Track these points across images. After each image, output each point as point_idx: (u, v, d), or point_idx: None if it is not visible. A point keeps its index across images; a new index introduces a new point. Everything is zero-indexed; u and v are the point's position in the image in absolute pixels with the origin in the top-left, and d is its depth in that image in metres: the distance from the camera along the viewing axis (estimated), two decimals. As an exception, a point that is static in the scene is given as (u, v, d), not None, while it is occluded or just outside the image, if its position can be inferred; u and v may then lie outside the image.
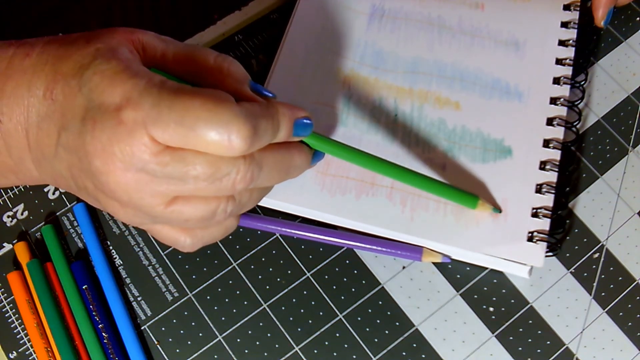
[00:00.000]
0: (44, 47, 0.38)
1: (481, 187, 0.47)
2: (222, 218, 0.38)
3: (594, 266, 0.47)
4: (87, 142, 0.35)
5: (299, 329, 0.45)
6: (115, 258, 0.47)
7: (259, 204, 0.48)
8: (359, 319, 0.45)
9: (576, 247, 0.47)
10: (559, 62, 0.51)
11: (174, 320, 0.46)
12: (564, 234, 0.47)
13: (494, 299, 0.46)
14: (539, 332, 0.45)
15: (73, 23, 0.56)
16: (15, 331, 0.45)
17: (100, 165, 0.35)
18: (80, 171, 0.37)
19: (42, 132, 0.37)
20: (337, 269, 0.47)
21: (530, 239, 0.45)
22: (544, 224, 0.45)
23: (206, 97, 0.34)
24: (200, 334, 0.45)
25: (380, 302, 0.46)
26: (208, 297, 0.46)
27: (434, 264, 0.47)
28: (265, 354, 0.45)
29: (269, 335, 0.45)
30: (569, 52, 0.51)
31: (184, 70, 0.38)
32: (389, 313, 0.46)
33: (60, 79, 0.36)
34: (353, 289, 0.46)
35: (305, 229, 0.47)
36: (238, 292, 0.46)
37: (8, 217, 0.49)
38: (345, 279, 0.47)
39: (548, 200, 0.46)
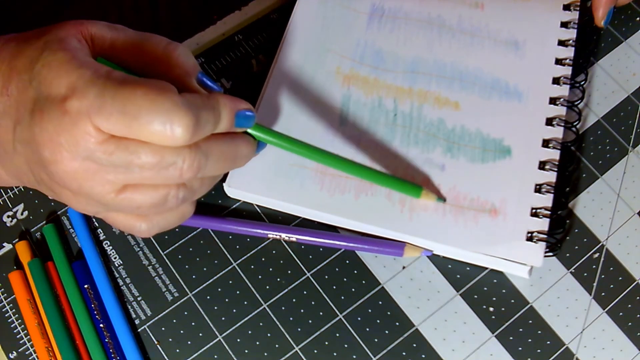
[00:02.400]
0: (1, 46, 0.38)
1: (480, 187, 0.47)
2: (175, 204, 0.38)
3: (594, 266, 0.47)
4: (36, 133, 0.35)
5: (299, 329, 0.45)
6: (115, 258, 0.48)
7: (258, 203, 0.48)
8: (359, 319, 0.46)
9: (576, 247, 0.47)
10: (558, 62, 0.51)
11: (174, 320, 0.46)
12: (564, 234, 0.47)
13: (494, 299, 0.46)
14: (539, 332, 0.45)
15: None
16: (15, 331, 0.45)
17: (49, 155, 0.35)
18: (35, 164, 0.37)
19: (1, 129, 0.38)
20: (337, 269, 0.47)
21: (529, 239, 0.45)
22: (543, 223, 0.45)
23: (148, 87, 0.35)
24: (200, 334, 0.45)
25: (380, 302, 0.46)
26: (208, 297, 0.46)
27: (434, 264, 0.47)
28: (265, 354, 0.45)
29: (269, 335, 0.45)
30: (569, 52, 0.51)
31: (133, 59, 0.39)
32: (389, 313, 0.46)
33: (15, 75, 0.37)
34: (353, 289, 0.46)
35: (286, 229, 0.47)
36: (238, 292, 0.46)
37: (8, 217, 0.49)
38: (345, 279, 0.47)
39: (547, 200, 0.46)
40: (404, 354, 0.45)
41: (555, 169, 0.47)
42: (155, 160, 0.35)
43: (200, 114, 0.35)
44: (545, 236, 0.45)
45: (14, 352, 0.45)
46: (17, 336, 0.45)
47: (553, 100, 0.50)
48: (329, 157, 0.45)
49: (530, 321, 0.45)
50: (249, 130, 0.41)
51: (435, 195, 0.46)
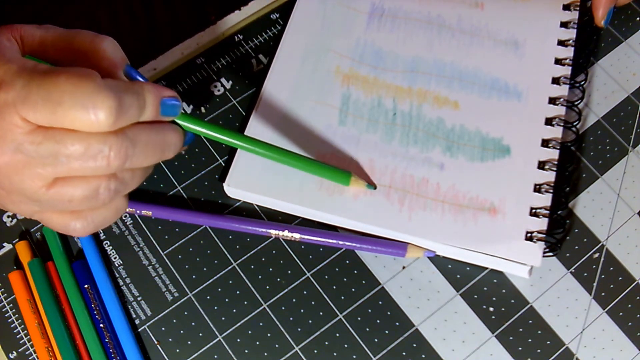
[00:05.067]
0: None
1: (479, 186, 0.47)
2: (107, 197, 0.38)
3: (594, 266, 0.47)
4: None
5: (299, 329, 0.45)
6: (115, 258, 0.48)
7: (258, 203, 0.48)
8: (359, 319, 0.46)
9: (576, 247, 0.47)
10: (558, 62, 0.51)
11: (174, 320, 0.46)
12: (563, 234, 0.47)
13: (494, 299, 0.46)
14: (539, 332, 0.45)
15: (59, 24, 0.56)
16: (15, 331, 0.45)
17: None
18: None
19: None
20: (337, 269, 0.47)
21: (528, 239, 0.45)
22: (542, 223, 0.45)
23: (71, 73, 0.35)
24: (200, 334, 0.45)
25: (380, 302, 0.46)
26: (208, 297, 0.46)
27: (434, 264, 0.47)
28: (265, 354, 0.45)
29: (269, 335, 0.45)
30: (568, 52, 0.51)
31: (63, 55, 0.39)
32: (389, 313, 0.46)
33: None
34: (353, 289, 0.46)
35: (286, 228, 0.47)
36: (238, 292, 0.46)
37: (8, 217, 0.49)
38: (345, 279, 0.47)
39: (546, 200, 0.46)
40: (404, 354, 0.45)
41: (555, 169, 0.47)
42: (81, 148, 0.35)
43: (123, 97, 0.35)
44: (544, 236, 0.45)
45: (14, 352, 0.45)
46: (17, 336, 0.45)
47: (552, 100, 0.50)
48: (260, 146, 0.43)
49: (530, 321, 0.45)
50: (177, 120, 0.40)
51: (364, 182, 0.45)
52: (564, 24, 0.53)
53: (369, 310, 0.46)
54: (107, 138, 0.36)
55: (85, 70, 0.35)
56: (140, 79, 0.40)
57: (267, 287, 0.46)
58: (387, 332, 0.45)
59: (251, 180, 0.47)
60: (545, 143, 0.48)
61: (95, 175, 0.37)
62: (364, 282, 0.47)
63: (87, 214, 0.39)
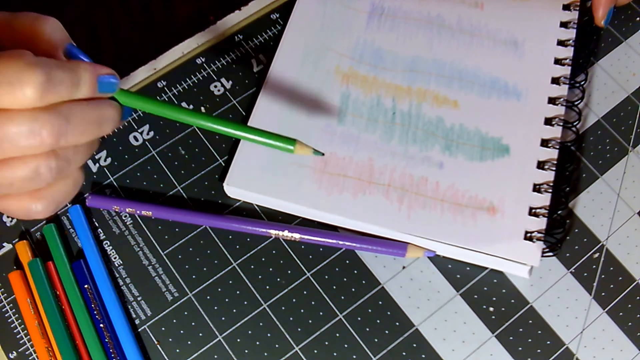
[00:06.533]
0: None
1: (478, 185, 0.47)
2: (50, 176, 0.37)
3: (594, 266, 0.47)
4: None
5: (299, 329, 0.45)
6: (115, 258, 0.48)
7: (257, 203, 0.48)
8: (359, 319, 0.46)
9: (576, 247, 0.47)
10: (557, 61, 0.51)
11: (174, 320, 0.46)
12: (563, 234, 0.47)
13: (494, 299, 0.46)
14: (539, 332, 0.45)
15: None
16: (15, 331, 0.45)
17: None
18: None
19: None
20: (337, 269, 0.47)
21: (527, 238, 0.45)
22: (542, 223, 0.45)
23: (3, 53, 0.34)
24: (200, 334, 0.45)
25: (380, 302, 0.46)
26: (208, 297, 0.46)
27: (434, 264, 0.47)
28: (265, 354, 0.45)
29: (269, 335, 0.45)
30: (568, 52, 0.51)
31: (5, 39, 0.39)
32: (389, 313, 0.46)
33: None
34: (353, 289, 0.46)
35: (285, 228, 0.47)
36: (238, 292, 0.46)
37: (8, 217, 0.49)
38: (345, 279, 0.47)
39: (546, 199, 0.46)
40: (404, 354, 0.45)
41: (554, 169, 0.47)
42: (13, 127, 0.35)
43: (53, 73, 0.35)
44: (543, 236, 0.45)
45: (14, 352, 0.45)
46: (17, 336, 0.45)
47: (552, 100, 0.50)
48: (199, 117, 0.40)
49: (530, 321, 0.45)
50: (115, 96, 0.40)
51: (311, 149, 0.41)
52: (564, 24, 0.53)
53: (369, 310, 0.46)
54: (38, 115, 0.35)
55: (17, 50, 0.35)
56: (84, 59, 0.40)
57: (267, 287, 0.46)
58: (387, 332, 0.45)
59: (251, 179, 0.48)
60: (544, 143, 0.48)
61: (33, 155, 0.36)
62: (364, 282, 0.47)
63: (43, 193, 0.38)
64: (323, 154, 0.42)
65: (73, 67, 0.37)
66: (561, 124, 0.49)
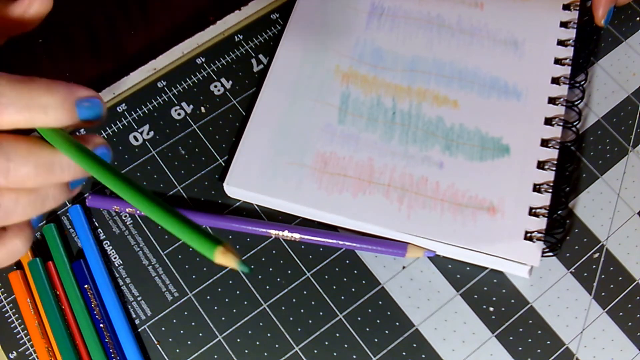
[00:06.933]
0: None
1: (478, 185, 0.47)
2: None
3: (594, 266, 0.47)
4: None
5: (299, 329, 0.45)
6: (115, 258, 0.48)
7: (257, 202, 0.48)
8: (359, 319, 0.46)
9: (576, 247, 0.47)
10: (557, 61, 0.51)
11: (174, 320, 0.46)
12: (563, 234, 0.47)
13: (494, 299, 0.46)
14: (539, 332, 0.45)
15: (55, 26, 0.56)
16: (15, 331, 0.45)
17: None
18: None
19: None
20: (337, 269, 0.47)
21: (527, 238, 0.45)
22: (542, 223, 0.45)
23: None
24: (200, 334, 0.45)
25: (380, 302, 0.46)
26: (208, 297, 0.46)
27: (434, 264, 0.47)
28: (265, 354, 0.45)
29: (269, 335, 0.45)
30: (568, 52, 0.51)
31: None
32: (389, 313, 0.46)
33: None
34: (353, 289, 0.46)
35: (286, 228, 0.47)
36: (238, 292, 0.46)
37: None
38: (345, 279, 0.47)
39: (546, 199, 0.46)
40: (404, 354, 0.45)
41: (554, 169, 0.47)
42: None
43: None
44: (542, 235, 0.45)
45: (14, 352, 0.45)
46: (17, 336, 0.45)
47: (552, 100, 0.50)
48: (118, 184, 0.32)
49: (530, 321, 0.45)
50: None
51: (235, 258, 0.30)
52: (564, 24, 0.53)
53: (369, 310, 0.46)
54: None
55: None
56: None
57: (267, 287, 0.46)
58: (387, 332, 0.45)
59: (251, 179, 0.47)
60: (544, 143, 0.48)
61: None
62: (364, 282, 0.47)
63: None
64: (250, 271, 0.35)
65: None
66: (561, 124, 0.49)
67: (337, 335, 0.45)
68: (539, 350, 0.44)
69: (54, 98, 0.31)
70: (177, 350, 0.45)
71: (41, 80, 0.31)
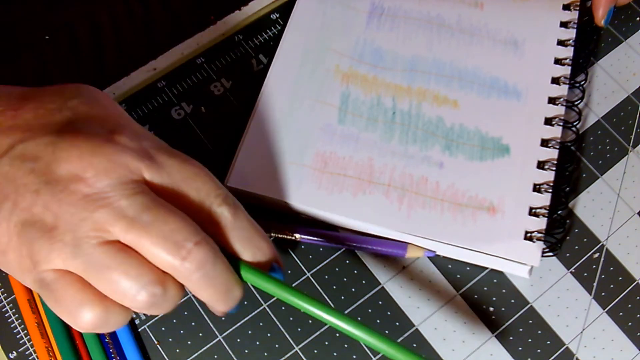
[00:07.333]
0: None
1: (478, 185, 0.47)
2: (147, 301, 0.34)
3: (594, 266, 0.47)
4: (63, 148, 0.35)
5: (299, 329, 0.45)
6: (115, 258, 0.47)
7: (257, 202, 0.48)
8: (359, 319, 0.45)
9: (576, 247, 0.47)
10: (557, 61, 0.51)
11: (174, 320, 0.46)
12: (564, 234, 0.47)
13: (494, 299, 0.46)
14: (539, 332, 0.45)
15: (54, 25, 0.56)
16: (15, 331, 0.45)
17: (70, 170, 0.34)
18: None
19: None
20: (337, 269, 0.47)
21: (527, 238, 0.45)
22: (542, 223, 0.45)
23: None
24: (200, 334, 0.45)
25: (380, 302, 0.46)
26: (208, 297, 0.46)
27: (434, 264, 0.47)
28: (265, 354, 0.45)
29: (269, 335, 0.45)
30: (568, 52, 0.51)
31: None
32: (389, 313, 0.46)
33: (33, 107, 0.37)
34: (353, 289, 0.46)
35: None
36: (238, 292, 0.46)
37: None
38: (345, 279, 0.47)
39: (546, 199, 0.46)
40: (403, 353, 0.45)
41: (554, 169, 0.47)
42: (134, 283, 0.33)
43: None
44: (543, 235, 0.45)
45: (14, 352, 0.45)
46: (17, 336, 0.45)
47: (552, 100, 0.50)
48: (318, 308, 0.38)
49: (530, 321, 0.45)
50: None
51: None
52: (564, 24, 0.53)
53: (369, 310, 0.46)
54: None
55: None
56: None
57: (267, 287, 0.46)
58: (387, 332, 0.45)
59: (251, 179, 0.47)
60: (544, 143, 0.48)
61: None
62: (364, 282, 0.47)
63: (109, 304, 0.34)
64: None
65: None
66: (561, 124, 0.49)
67: (337, 335, 0.45)
68: (539, 350, 0.44)
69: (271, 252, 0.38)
70: (177, 350, 0.45)
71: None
